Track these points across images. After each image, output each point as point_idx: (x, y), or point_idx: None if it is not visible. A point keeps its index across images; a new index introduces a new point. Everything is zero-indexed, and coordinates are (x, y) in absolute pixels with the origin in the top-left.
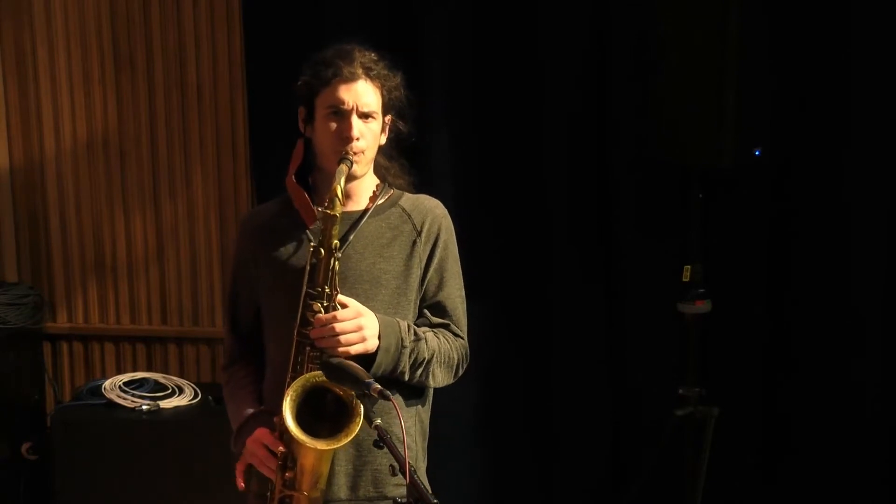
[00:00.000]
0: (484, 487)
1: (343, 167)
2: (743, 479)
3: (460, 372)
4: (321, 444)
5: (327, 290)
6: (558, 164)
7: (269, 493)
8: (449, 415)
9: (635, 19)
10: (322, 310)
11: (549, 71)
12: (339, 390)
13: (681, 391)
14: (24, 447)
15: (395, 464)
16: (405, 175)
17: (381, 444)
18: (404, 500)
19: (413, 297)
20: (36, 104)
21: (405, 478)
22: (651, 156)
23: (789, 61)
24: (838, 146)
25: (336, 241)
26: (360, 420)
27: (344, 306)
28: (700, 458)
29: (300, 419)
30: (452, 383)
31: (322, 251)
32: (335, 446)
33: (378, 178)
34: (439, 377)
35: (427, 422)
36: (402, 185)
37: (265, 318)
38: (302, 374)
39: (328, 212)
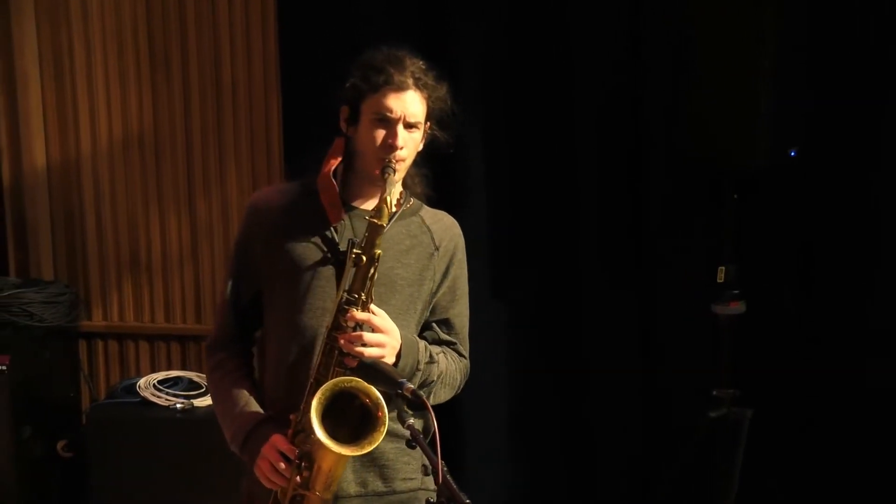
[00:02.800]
0: (515, 488)
1: (390, 178)
2: (776, 479)
3: (458, 390)
4: (346, 450)
5: (363, 298)
6: (590, 165)
7: (276, 493)
8: (481, 417)
9: (669, 19)
10: None
11: (581, 73)
12: (366, 399)
13: (715, 392)
14: (60, 445)
15: (427, 463)
16: (424, 186)
17: (415, 444)
18: (435, 500)
19: (420, 307)
20: (73, 103)
21: (437, 478)
22: (685, 156)
23: (825, 61)
24: (873, 147)
25: (379, 251)
26: (385, 429)
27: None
28: (734, 460)
29: (323, 421)
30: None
31: (364, 259)
32: (359, 453)
33: (402, 184)
34: (441, 396)
35: None
36: (420, 195)
37: (268, 308)
38: (327, 376)
39: (376, 221)
